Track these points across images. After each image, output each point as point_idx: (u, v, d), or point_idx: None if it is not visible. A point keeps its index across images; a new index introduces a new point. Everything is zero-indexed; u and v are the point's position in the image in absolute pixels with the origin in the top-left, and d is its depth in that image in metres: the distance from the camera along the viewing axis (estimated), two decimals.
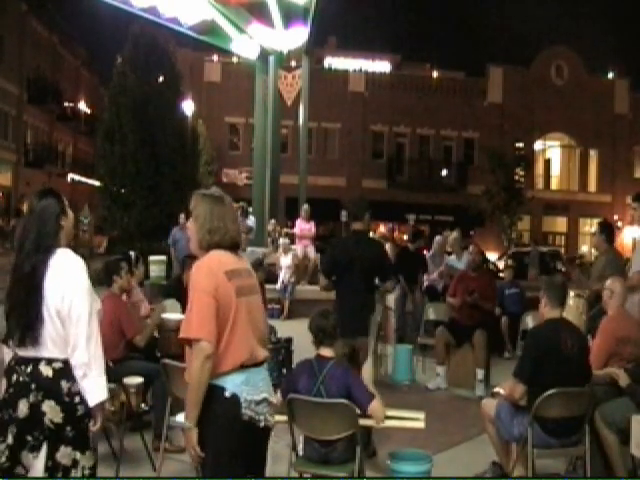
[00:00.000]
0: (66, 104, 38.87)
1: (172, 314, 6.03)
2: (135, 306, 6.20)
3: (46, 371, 2.92)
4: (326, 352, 4.16)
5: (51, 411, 2.90)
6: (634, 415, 4.17)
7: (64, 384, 2.92)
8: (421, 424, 4.16)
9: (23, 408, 2.91)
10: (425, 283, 10.38)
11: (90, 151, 38.16)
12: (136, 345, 5.54)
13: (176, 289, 6.99)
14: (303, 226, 14.10)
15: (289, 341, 7.31)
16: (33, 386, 2.91)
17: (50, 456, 2.92)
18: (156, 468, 4.78)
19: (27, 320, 2.91)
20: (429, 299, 9.88)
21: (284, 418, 4.08)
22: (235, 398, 2.94)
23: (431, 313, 9.01)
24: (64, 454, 2.93)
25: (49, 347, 2.93)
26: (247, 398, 2.96)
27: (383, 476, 4.33)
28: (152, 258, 14.24)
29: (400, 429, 4.48)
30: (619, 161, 37.57)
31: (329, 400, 3.97)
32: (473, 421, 5.95)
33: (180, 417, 4.79)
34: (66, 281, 2.93)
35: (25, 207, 33.26)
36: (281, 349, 6.99)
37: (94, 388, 2.94)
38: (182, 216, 15.49)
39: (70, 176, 39.20)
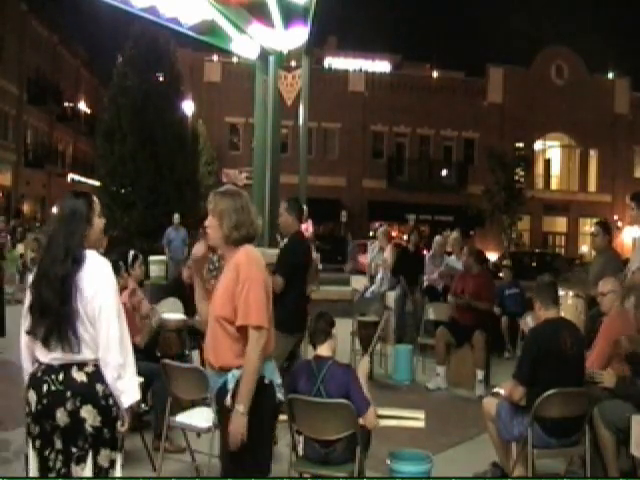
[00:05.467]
0: (66, 104, 38.84)
1: (172, 314, 6.03)
2: (135, 306, 6.19)
3: (80, 377, 2.92)
4: (323, 351, 4.18)
5: (90, 416, 2.91)
6: (634, 415, 4.17)
7: (99, 387, 2.94)
8: (421, 424, 4.17)
9: (62, 417, 2.90)
10: (425, 283, 10.37)
11: (90, 151, 38.14)
12: (136, 345, 5.53)
13: (176, 289, 6.99)
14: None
15: None
16: (69, 393, 2.90)
17: (95, 462, 2.94)
18: (156, 468, 4.78)
19: (57, 328, 2.89)
20: (429, 299, 9.87)
21: (284, 418, 4.09)
22: (272, 384, 3.20)
23: (431, 313, 9.00)
24: (104, 457, 2.96)
25: (81, 350, 2.92)
26: (278, 382, 3.24)
27: (383, 476, 4.33)
28: (152, 258, 14.25)
29: (400, 429, 4.48)
30: (619, 161, 37.59)
31: (329, 400, 3.97)
32: (473, 421, 5.95)
33: (180, 417, 4.81)
34: (96, 283, 2.93)
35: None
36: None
37: (129, 389, 2.97)
38: (176, 216, 15.50)
39: (70, 176, 39.19)
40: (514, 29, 65.77)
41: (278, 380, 3.25)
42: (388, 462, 4.08)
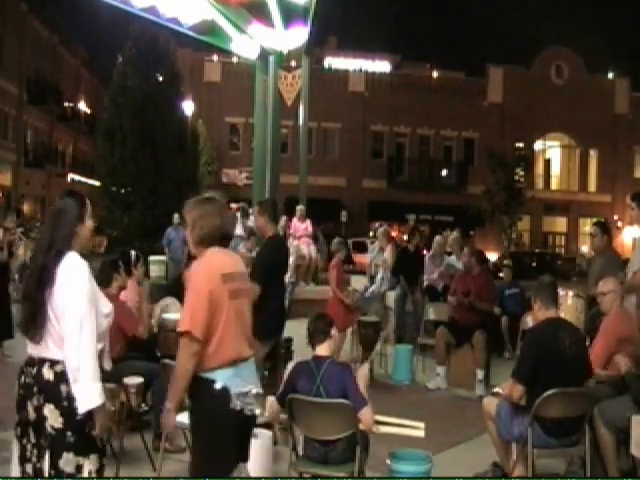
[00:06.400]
0: (66, 104, 38.80)
1: (172, 314, 6.03)
2: (136, 306, 6.19)
3: (48, 374, 2.94)
4: (322, 351, 4.20)
5: (51, 415, 2.91)
6: (634, 415, 4.17)
7: (63, 388, 2.93)
8: (421, 433, 4.17)
9: (30, 411, 2.95)
10: (425, 283, 10.37)
11: (90, 151, 38.10)
12: (139, 338, 5.54)
13: (176, 289, 6.99)
14: (298, 226, 14.17)
15: (289, 341, 7.30)
16: (35, 389, 2.94)
17: (53, 465, 2.91)
18: (156, 468, 4.78)
19: (32, 315, 2.95)
20: (429, 299, 9.87)
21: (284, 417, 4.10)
22: (225, 391, 3.17)
23: (431, 313, 9.00)
24: (67, 461, 2.92)
25: (50, 347, 2.95)
26: (236, 391, 3.17)
27: (383, 476, 4.33)
28: (152, 258, 14.25)
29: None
30: (619, 161, 37.59)
31: (329, 400, 3.97)
32: (473, 421, 5.95)
33: (180, 417, 4.81)
34: (65, 285, 2.94)
35: (20, 206, 33.21)
36: (281, 349, 6.98)
37: (84, 395, 2.91)
38: (176, 216, 15.50)
39: (70, 176, 39.14)
40: (514, 29, 65.79)
41: (242, 388, 3.21)
42: (388, 462, 4.09)
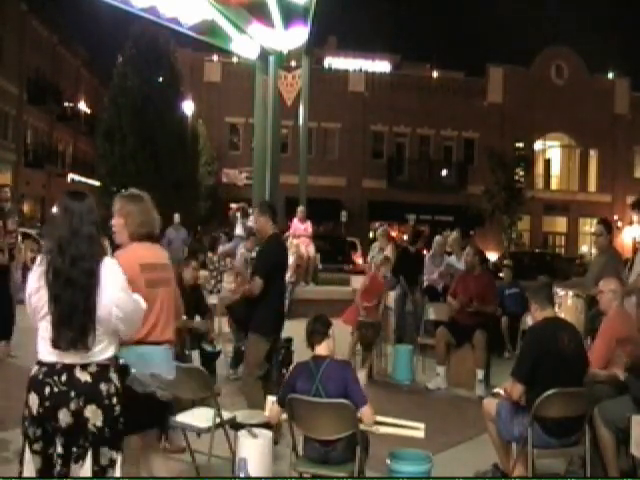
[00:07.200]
0: (66, 104, 38.76)
1: None
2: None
3: (83, 377, 2.95)
4: (321, 351, 4.22)
5: (93, 415, 2.94)
6: (634, 415, 4.17)
7: (103, 387, 2.98)
8: (421, 434, 4.17)
9: (64, 417, 2.91)
10: (425, 283, 10.37)
11: (90, 151, 38.10)
12: None
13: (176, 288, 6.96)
14: (298, 226, 14.19)
15: (289, 341, 7.31)
16: (73, 393, 2.92)
17: (95, 460, 2.96)
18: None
19: (83, 325, 2.93)
20: (429, 299, 9.87)
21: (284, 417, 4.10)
22: (125, 367, 3.34)
23: (431, 313, 9.00)
24: (104, 455, 2.99)
25: (92, 350, 2.97)
26: (133, 371, 3.38)
27: (383, 476, 4.33)
28: None
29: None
30: (619, 161, 37.56)
31: (329, 400, 3.98)
32: (473, 421, 5.95)
33: (180, 417, 4.81)
34: (110, 281, 3.02)
35: (20, 206, 33.17)
36: (281, 349, 6.98)
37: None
38: (176, 216, 15.50)
39: (70, 176, 39.12)
40: (514, 29, 65.77)
41: (138, 369, 3.38)
42: (388, 462, 4.09)
